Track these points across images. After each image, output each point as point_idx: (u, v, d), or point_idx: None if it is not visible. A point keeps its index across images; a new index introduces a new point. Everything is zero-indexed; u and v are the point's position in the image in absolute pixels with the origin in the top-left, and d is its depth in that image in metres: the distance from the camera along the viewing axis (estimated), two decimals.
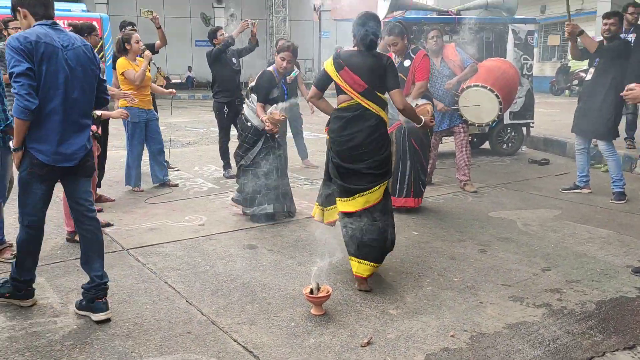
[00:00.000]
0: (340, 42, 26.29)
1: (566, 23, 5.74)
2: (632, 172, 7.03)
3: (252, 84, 4.97)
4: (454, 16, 7.92)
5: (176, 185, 6.38)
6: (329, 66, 3.59)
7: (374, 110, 3.50)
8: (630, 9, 7.18)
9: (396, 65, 5.00)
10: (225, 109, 6.77)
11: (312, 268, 3.67)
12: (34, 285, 3.32)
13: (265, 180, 4.85)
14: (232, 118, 6.73)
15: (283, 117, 4.75)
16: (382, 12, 7.77)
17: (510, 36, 7.95)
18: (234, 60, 6.85)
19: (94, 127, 4.53)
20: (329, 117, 3.73)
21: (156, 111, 6.43)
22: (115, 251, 4.22)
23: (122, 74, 5.79)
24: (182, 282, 3.63)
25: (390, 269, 3.85)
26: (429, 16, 8.29)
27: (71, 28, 5.23)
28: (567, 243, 4.41)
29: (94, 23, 5.86)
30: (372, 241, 3.49)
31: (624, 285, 3.58)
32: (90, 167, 3.26)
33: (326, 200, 3.85)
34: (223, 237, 4.61)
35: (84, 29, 5.26)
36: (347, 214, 3.54)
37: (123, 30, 6.63)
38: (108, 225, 4.80)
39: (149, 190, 6.19)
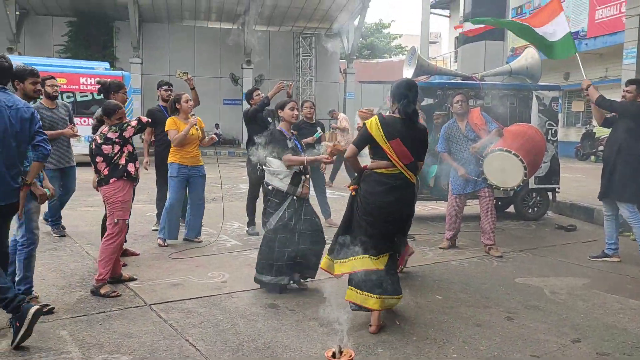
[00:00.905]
0: (365, 103, 26.83)
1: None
2: None
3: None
4: (478, 81, 8.07)
5: (201, 242, 6.42)
6: (375, 130, 3.74)
7: (412, 180, 3.78)
8: None
9: None
10: (259, 166, 6.88)
11: (334, 330, 3.62)
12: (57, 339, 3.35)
13: (286, 248, 4.56)
14: (264, 176, 6.87)
15: (344, 147, 4.71)
16: (406, 77, 7.95)
17: (535, 102, 8.03)
18: (269, 119, 7.00)
19: (138, 164, 4.79)
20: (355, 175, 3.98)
21: None
22: (137, 306, 4.23)
23: (167, 131, 6.02)
24: (203, 340, 3.60)
25: (414, 334, 3.77)
26: (453, 81, 8.46)
27: (99, 86, 5.57)
28: (597, 313, 4.28)
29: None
30: (393, 282, 3.86)
31: None
32: (14, 209, 3.71)
33: (338, 254, 3.99)
34: (245, 295, 4.59)
35: (112, 87, 5.54)
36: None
37: (159, 89, 6.88)
38: (131, 279, 4.83)
39: (174, 245, 6.24)
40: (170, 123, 6.04)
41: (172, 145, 6.09)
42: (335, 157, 4.72)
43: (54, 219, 6.59)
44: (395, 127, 3.73)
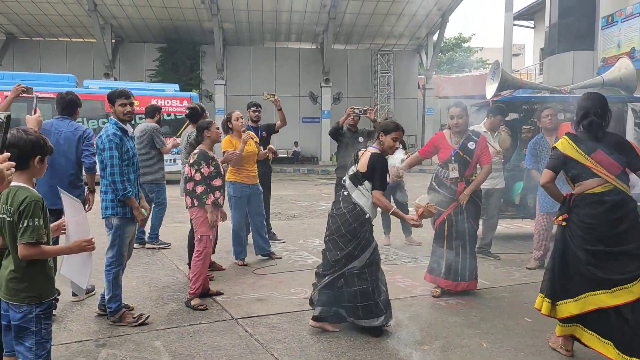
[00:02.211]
0: (444, 118, 26.42)
1: None
2: None
3: (357, 169, 4.13)
4: (567, 94, 7.73)
5: (280, 258, 6.54)
6: (569, 149, 3.53)
7: (627, 192, 3.46)
8: None
9: (460, 145, 4.88)
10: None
11: (416, 350, 3.57)
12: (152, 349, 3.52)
13: (381, 281, 4.15)
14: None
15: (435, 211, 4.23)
16: (490, 92, 7.77)
17: (630, 115, 7.57)
18: (360, 139, 7.03)
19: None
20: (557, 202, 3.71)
21: (268, 184, 6.76)
22: (225, 320, 4.37)
23: (224, 152, 6.08)
24: (287, 356, 3.66)
25: (501, 358, 3.64)
26: (539, 95, 8.16)
27: (190, 111, 6.18)
28: None
29: (199, 105, 6.60)
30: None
31: None
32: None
33: (559, 294, 3.61)
34: None
35: (202, 111, 6.32)
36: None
37: (248, 110, 7.14)
38: (219, 294, 5.01)
39: (256, 261, 6.40)
40: (226, 143, 6.10)
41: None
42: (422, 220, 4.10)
43: (154, 233, 7.06)
44: (588, 140, 3.49)
